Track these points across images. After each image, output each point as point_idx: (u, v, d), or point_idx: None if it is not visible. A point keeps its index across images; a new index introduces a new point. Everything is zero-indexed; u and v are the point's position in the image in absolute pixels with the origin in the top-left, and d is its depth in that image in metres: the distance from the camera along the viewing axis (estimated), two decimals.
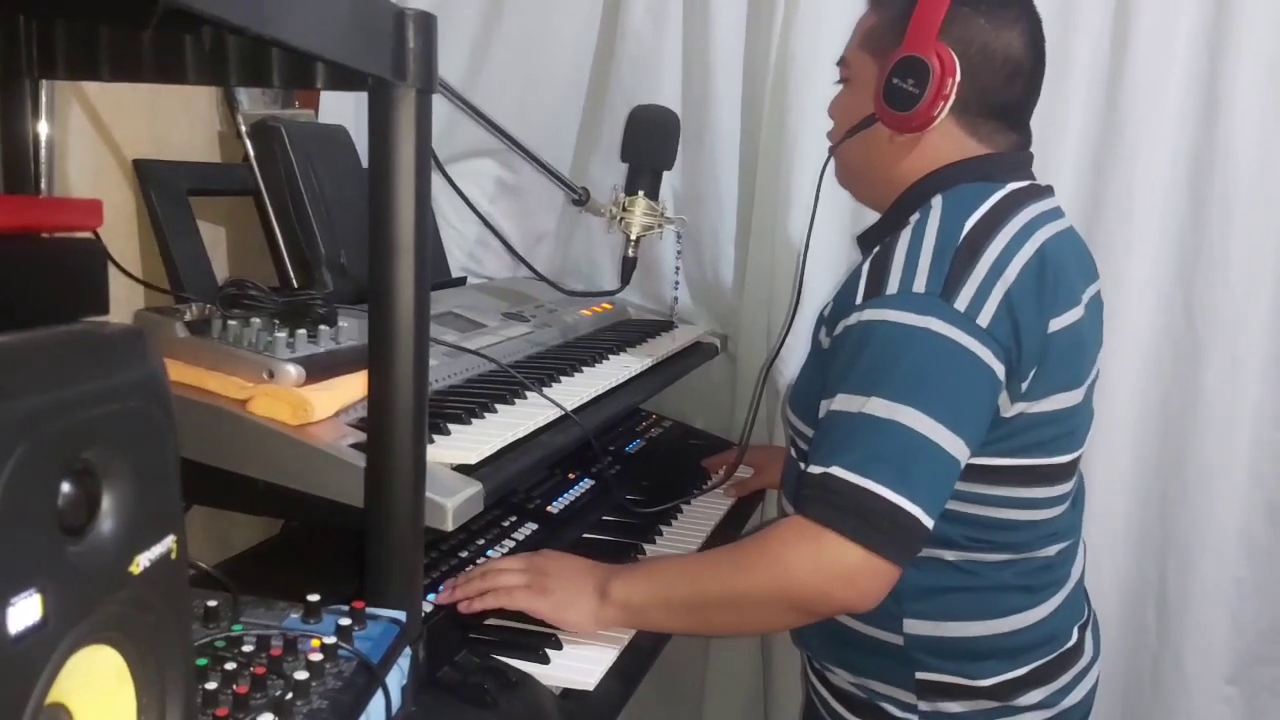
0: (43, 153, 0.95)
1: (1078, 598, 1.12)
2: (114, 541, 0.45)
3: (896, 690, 1.04)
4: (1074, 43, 1.42)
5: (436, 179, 1.44)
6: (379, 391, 0.78)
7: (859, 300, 0.97)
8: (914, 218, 1.01)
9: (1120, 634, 1.52)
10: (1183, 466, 1.48)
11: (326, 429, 0.88)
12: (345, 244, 1.23)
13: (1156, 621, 1.52)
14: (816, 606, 0.95)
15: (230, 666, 0.67)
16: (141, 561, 0.47)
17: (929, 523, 0.90)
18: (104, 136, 1.10)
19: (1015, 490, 1.00)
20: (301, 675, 0.66)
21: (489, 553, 1.12)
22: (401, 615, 0.77)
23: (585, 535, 1.26)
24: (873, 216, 1.18)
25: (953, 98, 1.02)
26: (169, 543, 0.49)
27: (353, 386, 0.92)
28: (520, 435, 0.98)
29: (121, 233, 1.11)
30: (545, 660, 0.95)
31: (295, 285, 1.21)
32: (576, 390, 1.14)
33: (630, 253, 1.43)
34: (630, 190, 1.41)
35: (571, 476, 1.36)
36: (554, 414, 1.05)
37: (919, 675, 1.03)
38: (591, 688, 0.94)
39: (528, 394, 1.08)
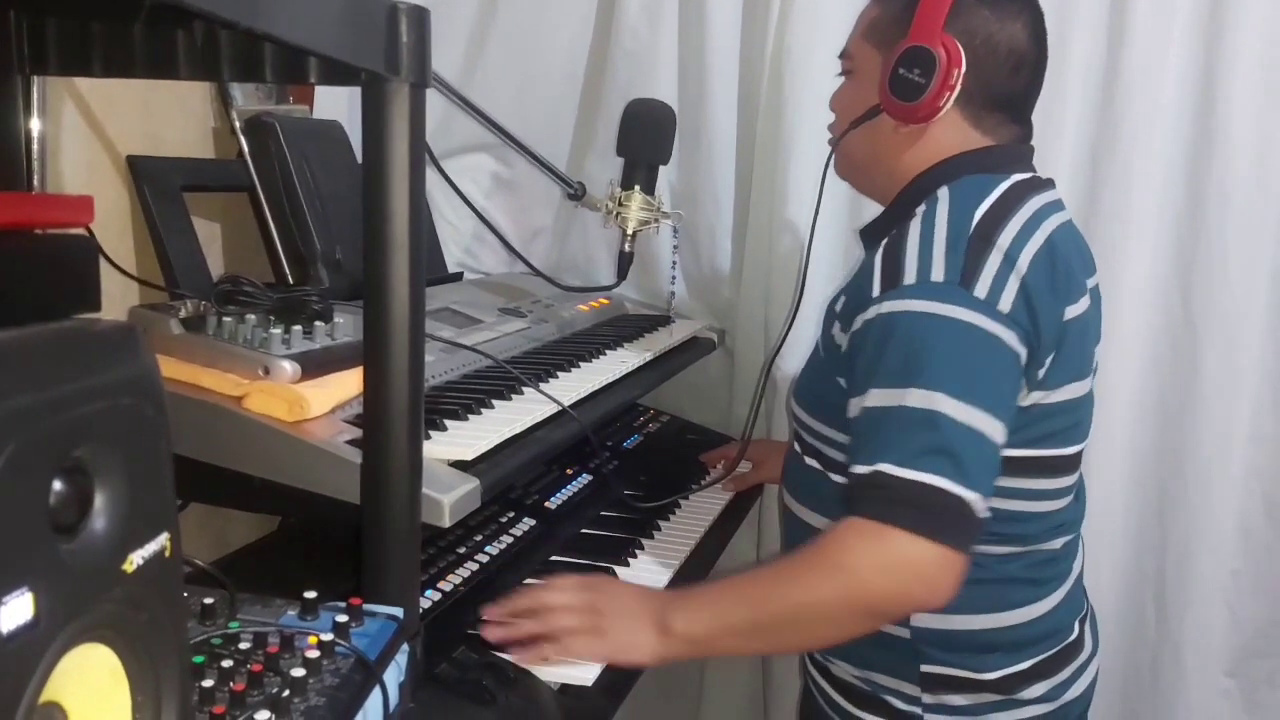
0: (35, 149, 0.95)
1: (1078, 592, 1.12)
2: (107, 539, 0.45)
3: (901, 683, 1.04)
4: (1071, 38, 1.42)
5: (432, 174, 1.45)
6: (375, 388, 0.77)
7: (876, 293, 0.96)
8: (920, 209, 1.01)
9: (1119, 628, 1.52)
10: (1181, 461, 1.48)
11: (322, 425, 0.88)
12: (341, 240, 1.23)
13: (1155, 616, 1.52)
14: (890, 609, 0.92)
15: (227, 664, 0.66)
16: (135, 559, 0.47)
17: (984, 508, 0.89)
18: (97, 133, 1.10)
19: (1026, 482, 1.00)
20: (299, 672, 0.66)
21: (487, 548, 1.12)
22: (399, 612, 0.77)
23: (583, 531, 1.26)
24: (873, 210, 1.18)
25: (958, 89, 1.01)
26: (163, 540, 0.49)
27: (349, 383, 0.92)
28: (517, 431, 0.98)
29: (115, 229, 1.11)
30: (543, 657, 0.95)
31: (291, 281, 1.21)
32: (574, 385, 1.14)
33: (627, 248, 1.43)
34: (626, 185, 1.41)
35: (569, 472, 1.36)
36: (551, 409, 1.05)
37: (924, 668, 1.02)
38: (590, 683, 0.93)
39: (525, 389, 1.08)
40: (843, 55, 1.16)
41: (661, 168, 1.46)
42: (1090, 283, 1.08)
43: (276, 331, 0.94)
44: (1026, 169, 1.08)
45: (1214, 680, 1.50)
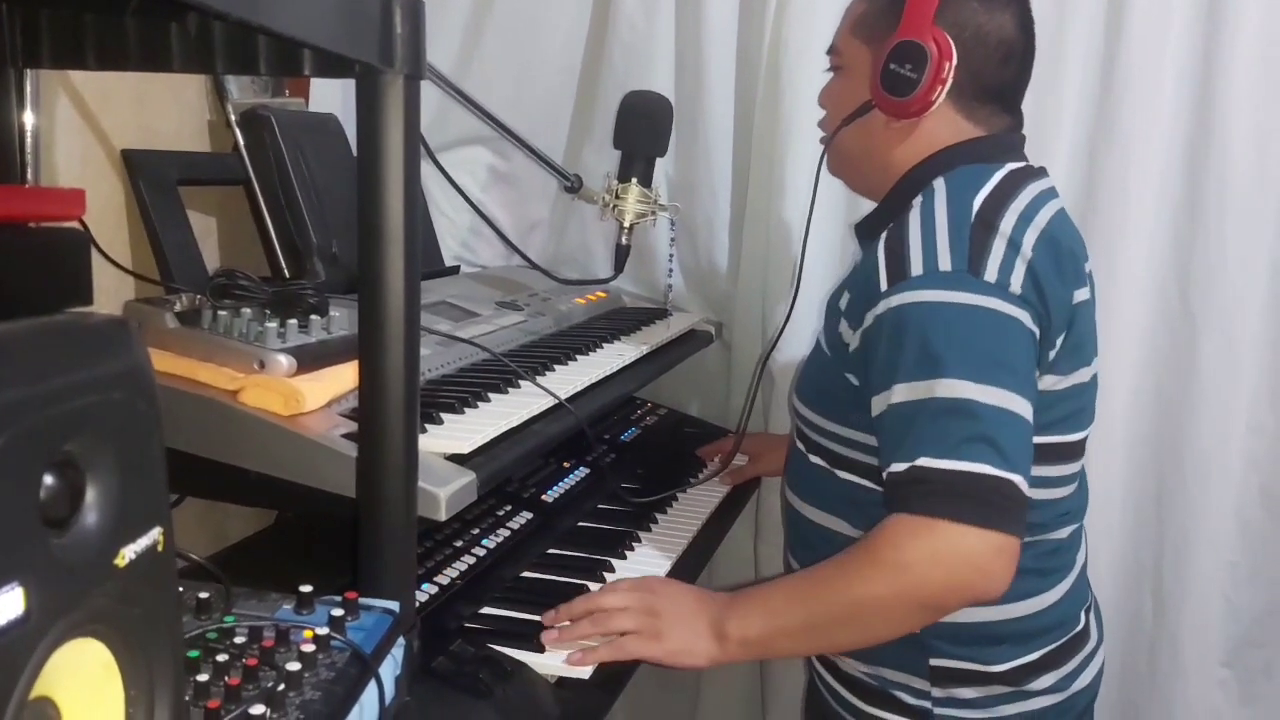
0: (29, 143, 0.94)
1: (1083, 582, 1.12)
2: (98, 534, 0.45)
3: (910, 677, 1.04)
4: (1068, 29, 1.41)
5: (428, 167, 1.44)
6: (370, 381, 0.77)
7: (884, 287, 0.95)
8: (917, 201, 1.01)
9: (1117, 619, 1.52)
10: (1179, 453, 1.48)
11: (318, 419, 0.88)
12: (337, 233, 1.23)
13: (1153, 607, 1.53)
14: (946, 601, 0.90)
15: (222, 658, 0.66)
16: (127, 554, 0.46)
17: (1026, 488, 0.89)
18: (92, 126, 1.09)
19: (1035, 469, 0.99)
20: (294, 666, 0.66)
21: (484, 542, 1.12)
22: (395, 606, 0.77)
23: (580, 524, 1.25)
24: (869, 204, 1.17)
25: (950, 81, 1.01)
26: (155, 535, 0.48)
27: (344, 376, 0.92)
28: (514, 424, 0.98)
29: (110, 223, 1.11)
30: (540, 649, 0.95)
31: (287, 275, 1.20)
32: (571, 379, 1.14)
33: (623, 240, 1.43)
34: (623, 177, 1.40)
35: (566, 465, 1.36)
36: (548, 403, 1.04)
37: (933, 662, 1.02)
38: (587, 676, 0.93)
39: (521, 383, 1.07)
40: (831, 51, 1.15)
41: (659, 160, 1.45)
42: (1088, 269, 1.08)
43: (272, 325, 0.94)
44: (1019, 158, 1.08)
45: (1211, 671, 1.51)
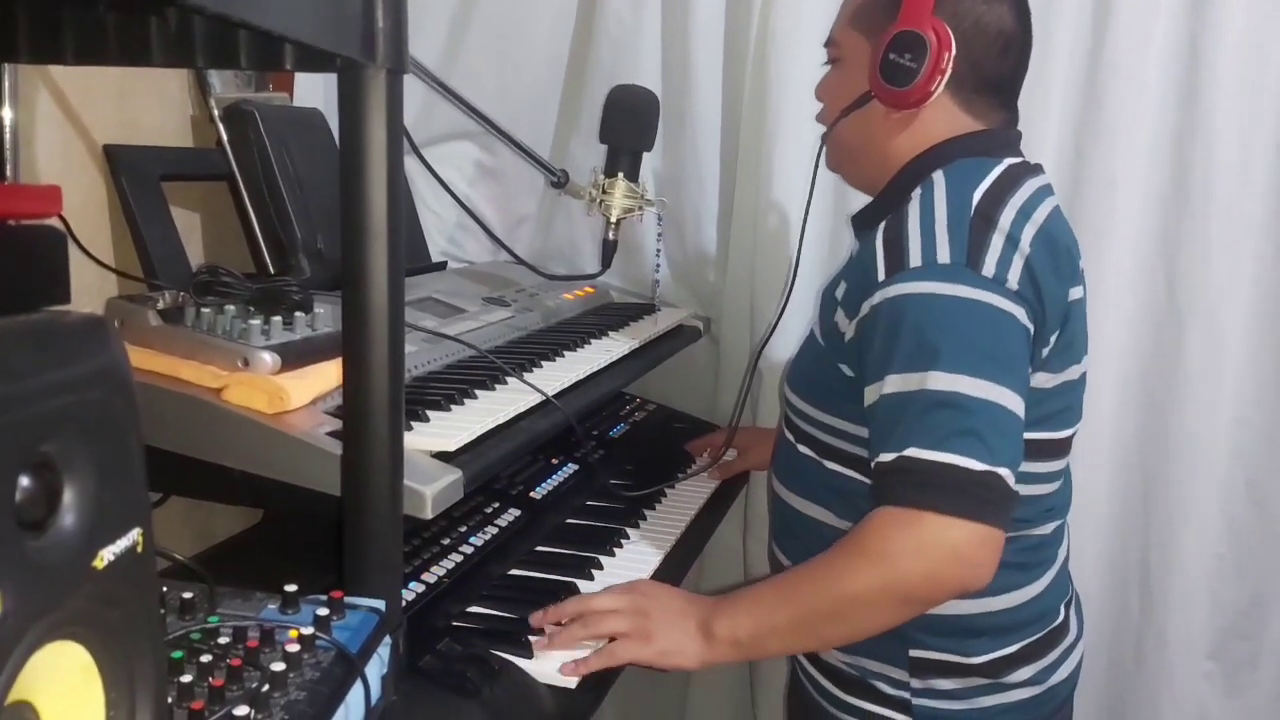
0: (7, 139, 0.93)
1: (1064, 576, 1.13)
2: (76, 536, 0.44)
3: (889, 668, 1.04)
4: (1054, 23, 1.41)
5: (415, 162, 1.44)
6: (354, 379, 0.77)
7: (881, 277, 0.95)
8: (916, 193, 1.01)
9: (1104, 613, 1.53)
10: (1165, 445, 1.48)
11: (303, 417, 0.87)
12: (322, 229, 1.22)
13: (1139, 600, 1.53)
14: (931, 593, 0.91)
15: (206, 659, 0.66)
16: (106, 555, 0.46)
17: (1013, 482, 0.89)
18: (72, 121, 1.08)
19: (1022, 465, 1.00)
20: (278, 667, 0.65)
21: (471, 539, 1.11)
22: (381, 604, 0.77)
23: (569, 520, 1.25)
24: (862, 196, 1.17)
25: (949, 72, 1.01)
26: (134, 536, 0.48)
27: (329, 374, 0.91)
28: (501, 421, 0.97)
29: (92, 220, 1.10)
30: (529, 654, 0.94)
31: (272, 271, 1.19)
32: (558, 375, 1.13)
33: (611, 235, 1.42)
34: (610, 172, 1.40)
35: (555, 461, 1.35)
36: (535, 399, 1.04)
37: (913, 653, 1.03)
38: (573, 686, 0.93)
39: (509, 379, 1.07)
40: (828, 43, 1.15)
41: (646, 154, 1.45)
42: (1082, 266, 1.08)
43: (256, 322, 0.93)
44: (1016, 154, 1.08)
45: (1196, 663, 1.52)
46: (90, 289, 1.06)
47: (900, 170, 1.07)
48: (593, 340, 1.32)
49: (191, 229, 1.25)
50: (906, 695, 1.04)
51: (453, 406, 0.97)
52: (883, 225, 1.00)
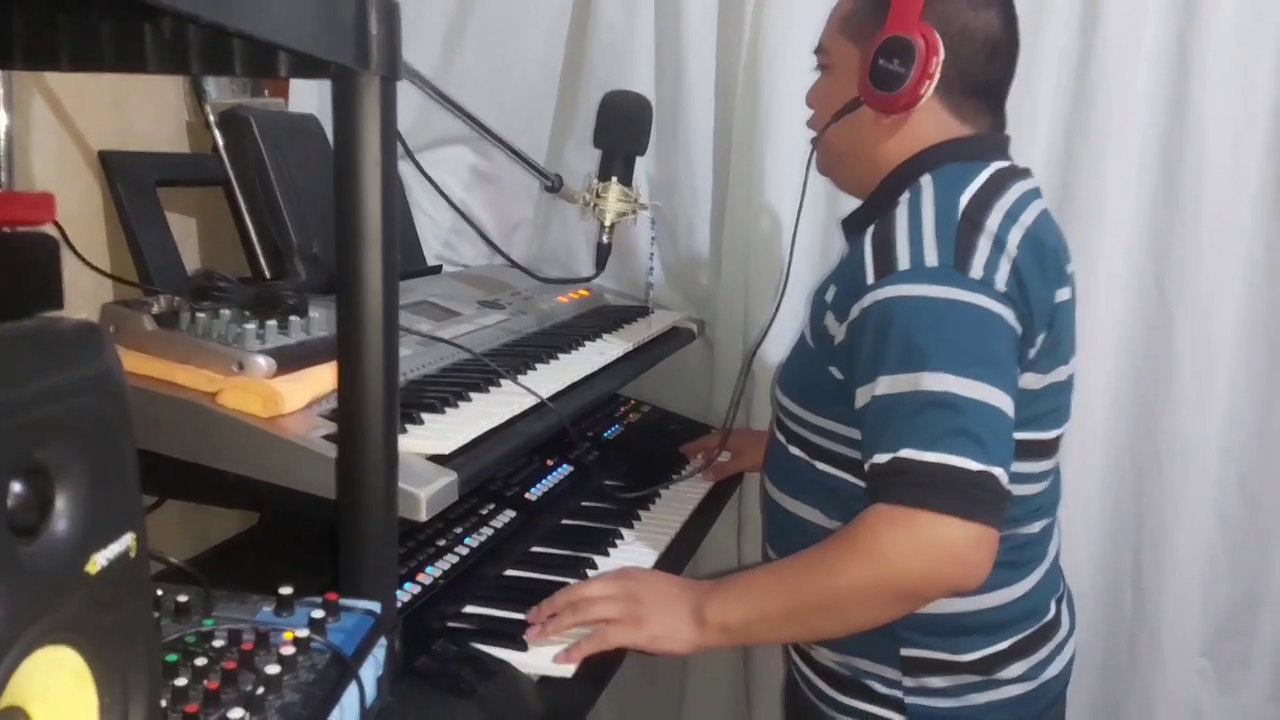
0: (3, 145, 0.93)
1: (1054, 573, 1.14)
2: (69, 541, 0.45)
3: (881, 667, 1.05)
4: (1044, 25, 1.42)
5: (411, 167, 1.44)
6: (349, 383, 0.77)
7: (870, 280, 0.96)
8: (904, 197, 1.01)
9: (1096, 611, 1.53)
10: (1156, 443, 1.49)
11: (298, 421, 0.88)
12: (318, 234, 1.22)
13: (1132, 598, 1.54)
14: (925, 591, 0.92)
15: (201, 662, 0.66)
16: (99, 561, 0.46)
17: (1006, 481, 0.90)
18: (68, 128, 1.09)
19: (1013, 466, 1.01)
20: (273, 669, 0.65)
21: (467, 540, 1.12)
22: (376, 606, 0.77)
23: (564, 521, 1.26)
24: (853, 200, 1.18)
25: (937, 77, 1.02)
26: (128, 541, 0.48)
27: (324, 377, 0.91)
28: (495, 424, 0.98)
29: (88, 225, 1.10)
30: (523, 648, 0.95)
31: (268, 276, 1.20)
32: (553, 377, 1.14)
33: (604, 239, 1.42)
34: (604, 176, 1.40)
35: (550, 463, 1.36)
36: (530, 402, 1.04)
37: (904, 652, 1.03)
38: (570, 674, 0.94)
39: (503, 382, 1.07)
40: (818, 51, 1.16)
41: (639, 159, 1.45)
42: (1069, 268, 1.09)
43: (251, 327, 0.93)
44: (1004, 158, 1.09)
45: (1189, 661, 1.52)
46: (86, 295, 1.06)
47: (889, 174, 1.08)
48: (587, 343, 1.32)
49: (187, 234, 1.26)
50: (899, 694, 1.04)
51: (447, 409, 0.97)
52: (871, 229, 1.01)
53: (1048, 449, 1.06)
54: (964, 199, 0.98)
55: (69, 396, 0.45)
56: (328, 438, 0.84)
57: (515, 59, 1.66)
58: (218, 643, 0.69)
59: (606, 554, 1.17)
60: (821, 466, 1.06)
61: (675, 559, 1.22)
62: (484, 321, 1.28)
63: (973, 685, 1.04)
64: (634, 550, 1.20)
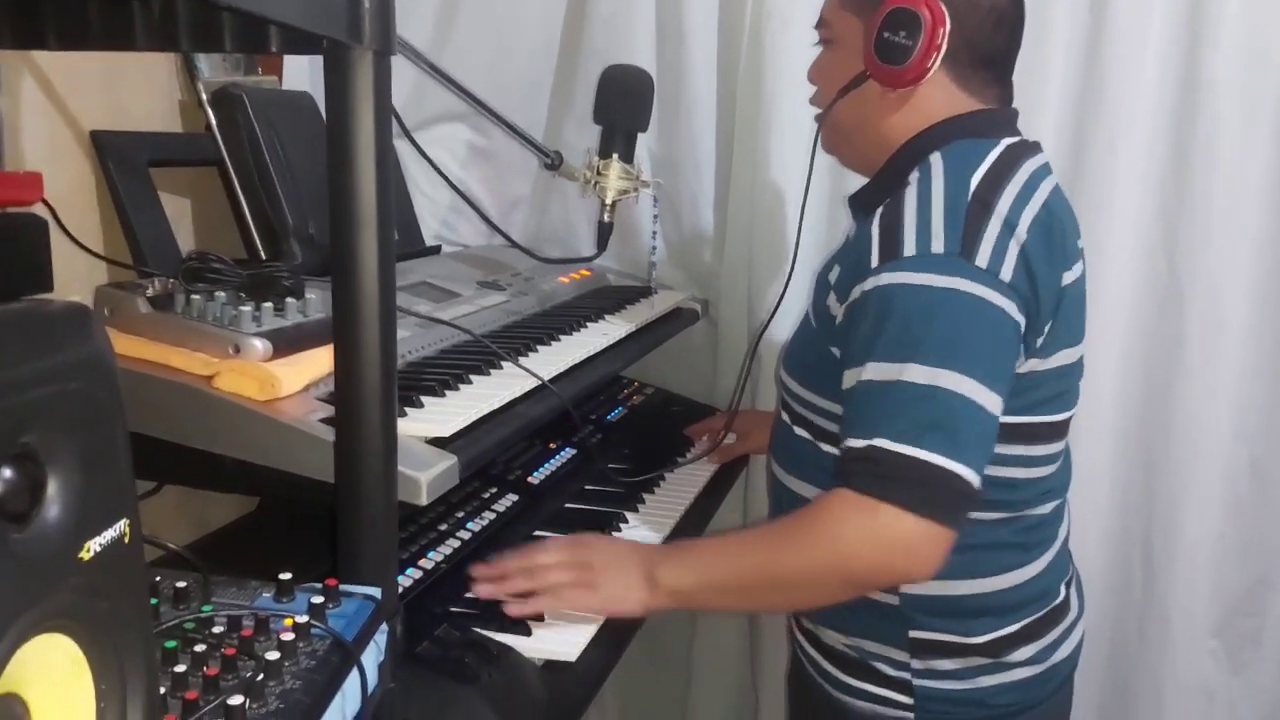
0: None
1: (1064, 556, 1.13)
2: (61, 528, 0.44)
3: (890, 649, 1.04)
4: (1054, 1, 1.40)
5: (407, 145, 1.42)
6: (345, 365, 0.76)
7: (874, 264, 0.95)
8: (914, 176, 1.00)
9: (1107, 592, 1.53)
10: (1167, 424, 1.48)
11: (295, 404, 0.87)
12: (313, 214, 1.20)
13: (1142, 579, 1.53)
14: (875, 579, 0.94)
15: (200, 648, 0.65)
16: (92, 547, 0.45)
17: (978, 483, 0.90)
18: (59, 107, 1.07)
19: (1017, 448, 1.00)
20: (273, 655, 0.65)
21: (469, 525, 1.11)
22: (377, 592, 0.76)
23: (567, 505, 1.25)
24: (858, 177, 1.16)
25: (944, 48, 1.00)
26: (121, 526, 0.47)
27: (321, 360, 0.90)
28: (496, 406, 0.96)
29: (80, 207, 1.08)
30: (527, 632, 0.94)
31: (264, 257, 1.18)
32: (554, 359, 1.12)
33: (606, 218, 1.40)
34: (604, 153, 1.38)
35: (552, 446, 1.35)
36: (531, 384, 1.03)
37: (913, 634, 1.03)
38: (574, 658, 0.93)
39: (504, 364, 1.06)
40: (819, 25, 1.14)
41: (640, 135, 1.43)
42: (1079, 244, 1.08)
43: (246, 309, 0.92)
44: (1014, 133, 1.07)
45: (1200, 641, 1.52)
46: (80, 277, 1.04)
47: (897, 151, 1.06)
48: (589, 324, 1.31)
49: (181, 215, 1.24)
50: (907, 676, 1.04)
51: (447, 392, 0.96)
52: (880, 211, 0.99)
53: (1057, 431, 1.05)
54: (975, 179, 0.97)
55: (58, 379, 0.44)
56: (325, 421, 0.83)
57: (512, 32, 1.64)
58: (217, 629, 0.68)
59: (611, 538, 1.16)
60: (826, 448, 1.05)
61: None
62: (484, 302, 1.26)
63: (981, 668, 1.03)
64: (638, 534, 1.19)
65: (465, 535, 1.09)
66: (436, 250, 1.56)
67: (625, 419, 1.52)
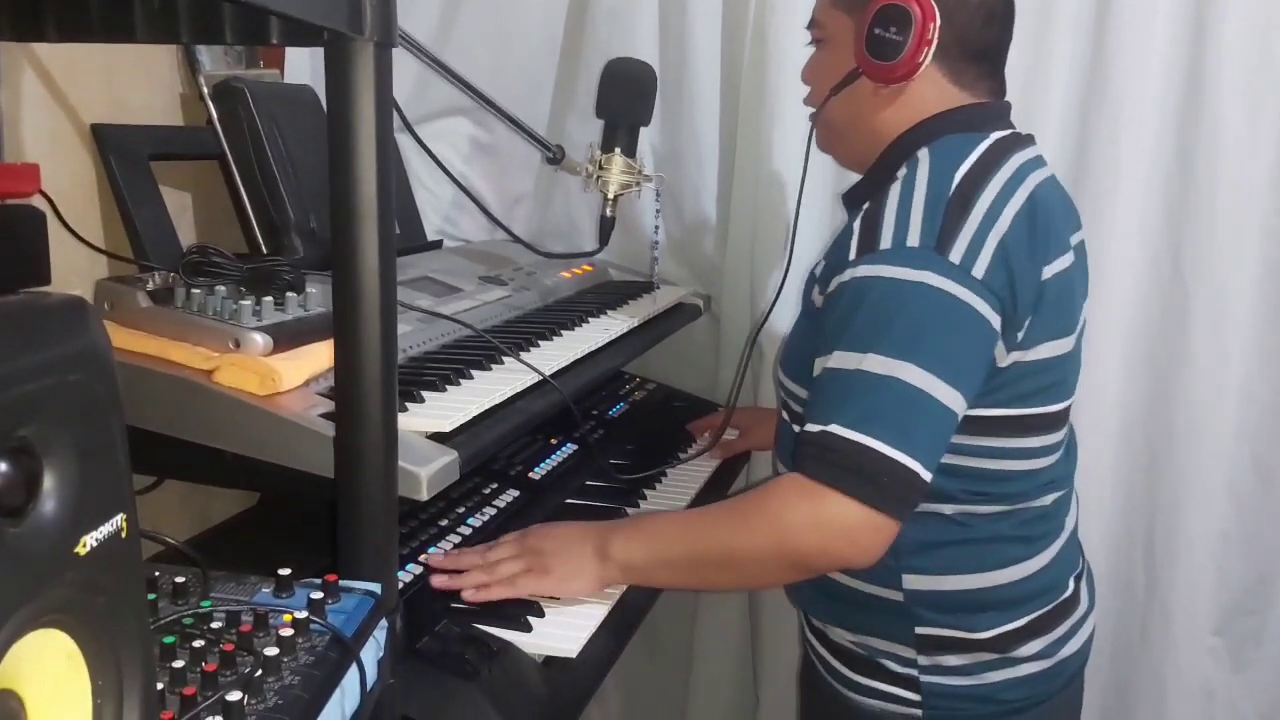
0: None
1: (1072, 548, 1.12)
2: (57, 522, 0.43)
3: (896, 646, 1.04)
4: None
5: (409, 140, 1.42)
6: (346, 359, 0.75)
7: (852, 257, 0.96)
8: (901, 172, 1.00)
9: (1109, 588, 1.52)
10: (1170, 420, 1.47)
11: (295, 399, 0.86)
12: (315, 208, 1.20)
13: (1144, 576, 1.53)
14: (816, 563, 0.95)
15: (199, 644, 0.65)
16: (88, 541, 0.45)
17: (928, 477, 0.90)
18: (59, 101, 1.06)
19: (1010, 441, 1.00)
20: (272, 651, 0.64)
21: (469, 520, 1.11)
22: (377, 588, 0.76)
23: (568, 501, 1.24)
24: (856, 174, 1.16)
25: (935, 42, 1.00)
26: (118, 521, 0.47)
27: (322, 355, 0.90)
28: (497, 402, 0.96)
29: (81, 200, 1.08)
30: (527, 628, 0.94)
31: (265, 251, 1.18)
32: (556, 354, 1.12)
33: (608, 212, 1.40)
34: (606, 147, 1.38)
35: (554, 441, 1.34)
36: (532, 379, 1.03)
37: (918, 630, 1.03)
38: (574, 654, 0.93)
39: (505, 359, 1.06)
40: (811, 25, 1.14)
41: (643, 129, 1.43)
42: (1075, 239, 1.07)
43: (247, 303, 0.92)
44: (1006, 126, 1.07)
45: (1202, 639, 1.51)
46: (80, 271, 1.04)
47: (888, 147, 1.06)
48: (591, 319, 1.31)
49: (182, 209, 1.24)
50: (914, 672, 1.03)
51: (448, 387, 0.96)
52: (865, 206, 1.00)
53: (1053, 422, 1.04)
54: (959, 175, 0.97)
55: (55, 373, 0.44)
56: (326, 416, 0.83)
57: (515, 25, 1.63)
58: (216, 624, 0.68)
59: None
60: None
61: None
62: (485, 297, 1.26)
63: (988, 663, 1.03)
64: None
65: (466, 531, 1.08)
66: (438, 245, 1.56)
67: (627, 414, 1.52)
